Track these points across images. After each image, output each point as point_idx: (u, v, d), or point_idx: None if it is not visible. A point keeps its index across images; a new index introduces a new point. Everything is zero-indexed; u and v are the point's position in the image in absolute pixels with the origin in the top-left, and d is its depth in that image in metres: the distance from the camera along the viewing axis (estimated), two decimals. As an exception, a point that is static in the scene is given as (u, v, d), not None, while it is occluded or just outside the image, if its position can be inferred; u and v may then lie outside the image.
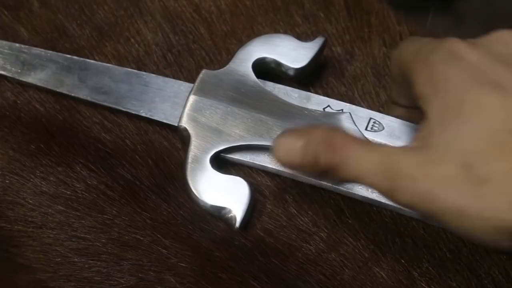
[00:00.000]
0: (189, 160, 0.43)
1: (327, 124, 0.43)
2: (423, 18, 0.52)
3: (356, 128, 0.43)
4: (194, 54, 0.49)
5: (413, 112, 0.43)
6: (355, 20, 0.49)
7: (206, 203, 0.43)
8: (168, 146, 0.46)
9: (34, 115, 0.47)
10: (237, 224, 0.42)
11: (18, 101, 0.48)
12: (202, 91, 0.45)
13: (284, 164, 0.39)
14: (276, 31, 0.49)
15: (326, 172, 0.37)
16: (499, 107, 0.33)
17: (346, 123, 0.43)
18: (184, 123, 0.44)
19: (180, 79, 0.47)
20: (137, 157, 0.46)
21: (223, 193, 0.43)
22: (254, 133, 0.44)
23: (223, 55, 0.48)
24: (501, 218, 0.32)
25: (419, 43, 0.38)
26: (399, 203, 0.35)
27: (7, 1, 0.50)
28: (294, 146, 0.38)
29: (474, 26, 1.02)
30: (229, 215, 0.42)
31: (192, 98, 0.45)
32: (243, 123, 0.44)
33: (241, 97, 0.44)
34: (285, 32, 0.49)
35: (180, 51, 0.49)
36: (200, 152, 0.44)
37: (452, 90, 0.34)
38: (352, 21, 0.49)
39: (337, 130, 0.38)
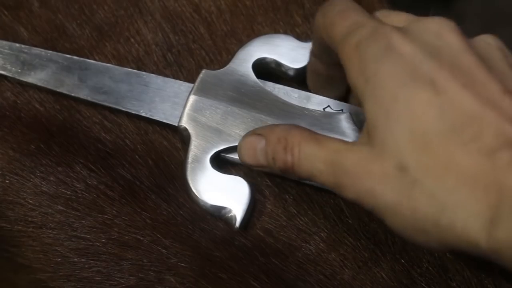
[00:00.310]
0: (189, 160, 0.43)
1: (326, 124, 0.43)
2: (423, 18, 0.52)
3: (356, 128, 0.43)
4: (194, 54, 0.49)
5: (333, 69, 0.42)
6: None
7: (206, 203, 0.43)
8: (168, 146, 0.46)
9: (34, 115, 0.47)
10: (237, 224, 0.42)
11: (18, 101, 0.48)
12: (202, 91, 0.45)
13: (248, 164, 0.41)
14: (276, 31, 0.49)
15: (284, 171, 0.38)
16: (431, 106, 0.32)
17: (346, 123, 0.43)
18: (184, 123, 0.44)
19: (180, 79, 0.48)
20: (137, 157, 0.46)
21: (223, 193, 0.43)
22: None
23: (223, 55, 0.48)
24: (428, 221, 0.32)
25: (349, 19, 0.36)
26: (347, 199, 0.35)
27: (7, 1, 0.50)
28: (256, 147, 0.39)
29: (474, 26, 1.02)
30: (229, 215, 0.42)
31: (192, 98, 0.45)
32: (243, 123, 0.44)
33: (241, 97, 0.44)
34: (285, 32, 0.49)
35: (180, 51, 0.49)
36: (200, 152, 0.44)
37: (384, 86, 0.33)
38: (352, 21, 0.49)
39: (294, 128, 0.38)
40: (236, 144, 0.43)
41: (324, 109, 0.45)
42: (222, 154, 0.44)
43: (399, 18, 0.38)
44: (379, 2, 0.51)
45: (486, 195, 0.31)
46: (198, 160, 0.43)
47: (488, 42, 0.37)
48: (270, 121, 0.44)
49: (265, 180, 0.45)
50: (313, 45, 0.42)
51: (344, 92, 0.44)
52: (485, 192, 0.31)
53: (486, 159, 0.31)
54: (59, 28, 0.50)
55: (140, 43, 0.49)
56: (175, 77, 0.48)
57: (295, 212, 0.44)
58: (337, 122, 0.43)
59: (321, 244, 0.43)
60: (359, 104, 0.36)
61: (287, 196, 0.44)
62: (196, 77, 0.45)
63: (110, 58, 0.49)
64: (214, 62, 0.48)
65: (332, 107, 0.45)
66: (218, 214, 0.43)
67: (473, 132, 0.32)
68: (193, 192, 0.43)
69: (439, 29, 0.35)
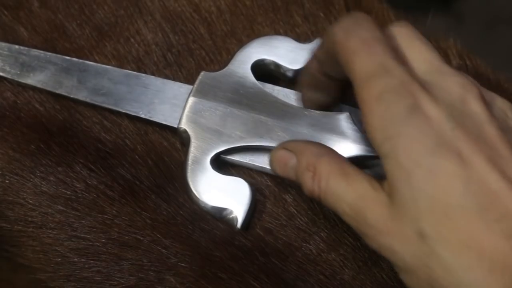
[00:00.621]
0: (189, 161, 0.43)
1: (326, 124, 0.43)
2: (423, 18, 0.52)
3: (356, 128, 0.43)
4: (194, 54, 0.49)
5: (332, 79, 0.40)
6: (355, 20, 0.49)
7: (207, 204, 0.43)
8: (168, 146, 0.46)
9: (34, 115, 0.47)
10: (239, 225, 0.42)
11: (18, 101, 0.48)
12: (201, 93, 0.45)
13: (281, 177, 0.41)
14: (276, 31, 0.49)
15: (311, 198, 0.38)
16: (456, 179, 0.32)
17: (345, 123, 0.43)
18: (184, 124, 0.44)
19: (180, 79, 0.48)
20: (137, 157, 0.46)
21: (224, 194, 0.43)
22: (254, 134, 0.44)
23: (223, 55, 0.48)
24: None
25: (374, 57, 0.34)
26: (367, 245, 0.36)
27: (7, 1, 0.50)
28: (287, 163, 0.40)
29: (474, 26, 1.02)
30: (230, 216, 0.42)
31: (191, 100, 0.45)
32: (243, 124, 0.44)
33: (241, 98, 0.44)
34: (285, 32, 0.49)
35: (180, 51, 0.49)
36: (200, 154, 0.44)
37: (407, 149, 0.33)
38: (352, 21, 0.49)
39: (325, 155, 0.38)
40: (236, 145, 0.43)
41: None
42: (223, 155, 0.44)
43: (421, 56, 0.36)
44: (379, 2, 0.51)
45: (502, 277, 0.31)
46: (198, 162, 0.43)
47: (505, 111, 0.36)
48: (270, 121, 0.44)
49: (265, 180, 0.45)
50: (320, 51, 0.40)
51: (332, 101, 0.43)
52: (502, 274, 0.31)
53: (506, 241, 0.31)
54: (59, 28, 0.50)
55: (140, 43, 0.49)
56: (175, 77, 0.48)
57: (295, 212, 0.44)
58: (336, 122, 0.43)
59: (321, 244, 0.43)
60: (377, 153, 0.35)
61: (287, 196, 0.44)
62: (196, 78, 0.45)
63: (110, 58, 0.49)
64: (214, 62, 0.48)
65: (330, 109, 0.45)
66: (219, 216, 0.43)
67: (498, 213, 0.31)
68: (194, 194, 0.43)
69: (464, 94, 0.34)
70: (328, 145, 0.42)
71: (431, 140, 0.32)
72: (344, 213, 0.36)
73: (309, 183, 0.37)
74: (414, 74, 0.35)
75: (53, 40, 0.49)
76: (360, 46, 0.35)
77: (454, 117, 0.33)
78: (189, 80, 0.47)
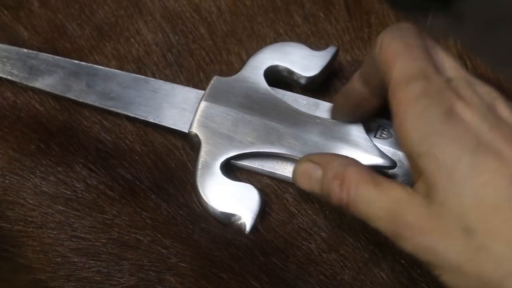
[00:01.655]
0: (199, 166, 0.43)
1: (337, 133, 0.43)
2: (423, 18, 0.52)
3: (367, 137, 0.43)
4: (194, 54, 0.49)
5: (374, 94, 0.41)
6: (355, 20, 0.49)
7: (215, 209, 0.43)
8: (168, 146, 0.46)
9: (34, 115, 0.47)
10: (247, 231, 0.42)
11: (18, 101, 0.48)
12: (213, 98, 0.45)
13: (303, 189, 0.41)
14: (276, 31, 0.49)
15: (338, 208, 0.38)
16: (500, 175, 0.33)
17: (357, 132, 0.43)
18: (195, 129, 0.44)
19: (180, 79, 0.48)
20: (136, 157, 0.46)
21: (233, 200, 0.43)
22: (265, 140, 0.43)
23: (223, 55, 0.48)
24: (492, 285, 0.32)
25: (415, 62, 0.36)
26: (403, 250, 0.35)
27: (7, 1, 0.50)
28: (312, 175, 0.40)
29: (474, 26, 1.02)
30: (239, 222, 0.42)
31: (203, 104, 0.45)
32: (254, 130, 0.44)
33: (252, 104, 0.44)
34: (285, 32, 0.49)
35: (180, 51, 0.49)
36: (210, 159, 0.44)
37: (446, 148, 0.34)
38: (352, 21, 0.49)
39: (353, 165, 0.38)
40: (247, 151, 0.43)
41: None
42: (233, 160, 0.44)
43: (449, 65, 0.37)
44: (379, 2, 0.51)
45: None
46: (208, 167, 0.43)
47: None
48: (281, 128, 0.43)
49: (266, 179, 0.45)
50: (365, 64, 0.40)
51: (365, 118, 0.44)
52: None
53: None
54: (59, 28, 0.50)
55: (140, 43, 0.49)
56: (175, 77, 0.48)
57: (296, 212, 0.44)
58: (348, 131, 0.43)
59: (321, 244, 0.43)
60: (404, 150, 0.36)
61: (288, 196, 0.44)
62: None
63: (110, 58, 0.49)
64: (214, 62, 0.48)
65: None
66: (227, 221, 0.43)
67: None
68: (203, 198, 0.43)
69: (492, 100, 0.36)
70: (338, 150, 0.42)
71: (470, 140, 0.34)
72: (377, 218, 0.36)
73: (337, 191, 0.37)
74: (448, 81, 0.36)
75: (53, 40, 0.49)
76: (403, 50, 0.36)
77: (488, 121, 0.34)
78: (190, 81, 0.47)
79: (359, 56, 0.48)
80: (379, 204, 0.36)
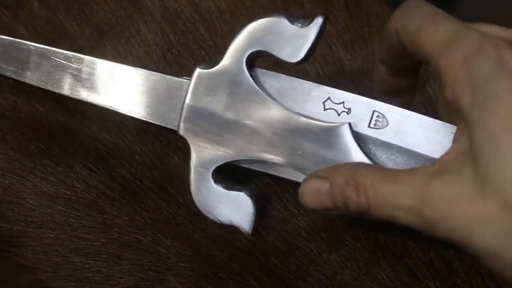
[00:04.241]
0: (192, 173, 0.43)
1: (328, 140, 0.41)
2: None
3: (355, 143, 0.40)
4: (194, 54, 0.49)
5: (402, 75, 0.40)
6: (355, 20, 0.49)
7: (214, 219, 0.43)
8: (167, 146, 0.46)
9: (34, 115, 0.47)
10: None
11: (18, 101, 0.48)
12: (197, 98, 0.43)
13: (314, 210, 0.38)
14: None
15: (359, 215, 0.35)
16: None
17: (346, 133, 0.41)
18: (182, 133, 0.43)
19: (180, 79, 0.47)
20: (136, 157, 0.46)
21: (227, 210, 0.42)
22: (255, 149, 0.42)
23: (223, 55, 0.48)
24: None
25: (442, 26, 0.33)
26: (436, 238, 0.33)
27: (7, 1, 0.50)
28: (319, 191, 0.37)
29: (474, 26, 1.02)
30: (238, 231, 0.43)
31: (186, 106, 0.43)
32: (242, 136, 0.42)
33: (237, 105, 0.42)
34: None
35: (180, 51, 0.49)
36: (201, 166, 0.43)
37: (497, 113, 0.30)
38: (352, 21, 0.49)
39: (361, 167, 0.36)
40: (236, 159, 0.42)
41: (324, 102, 0.42)
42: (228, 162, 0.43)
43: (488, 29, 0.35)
44: (379, 2, 0.51)
45: None
46: (199, 174, 0.43)
47: None
48: (268, 134, 0.42)
49: (266, 179, 0.45)
50: (380, 50, 0.39)
51: (410, 99, 0.42)
52: None
53: None
54: (59, 28, 0.50)
55: (140, 43, 0.49)
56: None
57: (296, 211, 0.44)
58: (336, 136, 0.41)
59: (321, 244, 0.43)
60: (454, 122, 0.34)
61: (288, 196, 0.44)
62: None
63: (110, 58, 0.49)
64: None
65: (332, 100, 0.42)
66: (227, 229, 0.43)
67: None
68: (198, 208, 0.43)
69: None
70: (330, 155, 0.40)
71: None
72: (404, 213, 0.33)
73: (354, 197, 0.35)
74: (483, 34, 0.33)
75: (54, 40, 0.49)
76: (423, 21, 0.34)
77: None
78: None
79: (359, 55, 0.48)
80: (403, 198, 0.33)
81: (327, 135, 0.41)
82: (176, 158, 0.46)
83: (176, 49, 0.49)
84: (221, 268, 0.42)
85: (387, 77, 0.40)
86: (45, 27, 0.50)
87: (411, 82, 0.41)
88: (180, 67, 0.48)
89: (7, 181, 0.45)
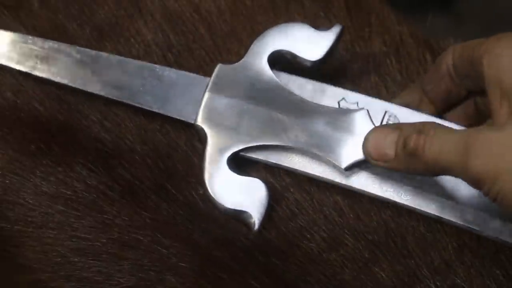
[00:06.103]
0: (206, 161, 0.43)
1: (344, 125, 0.43)
2: (423, 18, 0.52)
3: (373, 126, 0.42)
4: (194, 54, 0.49)
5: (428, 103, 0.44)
6: (355, 20, 0.49)
7: (224, 206, 0.43)
8: (168, 145, 0.46)
9: (34, 115, 0.47)
10: (256, 228, 0.42)
11: (18, 101, 0.48)
12: (217, 88, 0.44)
13: (370, 156, 0.41)
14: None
15: (412, 153, 0.38)
16: None
17: (362, 119, 0.42)
18: (200, 122, 0.44)
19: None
20: (136, 157, 0.46)
21: (242, 196, 0.42)
22: (271, 133, 0.43)
23: (223, 55, 0.48)
24: None
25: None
26: (466, 179, 0.37)
27: (7, 1, 0.50)
28: (386, 137, 0.40)
29: (474, 27, 1.02)
30: (248, 220, 0.42)
31: (207, 95, 0.44)
32: (260, 122, 0.43)
33: (257, 94, 0.44)
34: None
35: (180, 51, 0.49)
36: (216, 153, 0.43)
37: None
38: (352, 21, 0.49)
39: (428, 122, 0.40)
40: (253, 144, 0.43)
41: (339, 102, 0.44)
42: (241, 153, 0.44)
43: None
44: (379, 2, 0.51)
45: None
46: (215, 161, 0.43)
47: None
48: (286, 120, 0.43)
49: (267, 178, 0.45)
50: (456, 57, 0.43)
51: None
52: None
53: None
54: (59, 28, 0.50)
55: (140, 43, 0.49)
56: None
57: (296, 211, 0.44)
58: (353, 119, 0.43)
59: (321, 243, 0.43)
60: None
61: (288, 195, 0.44)
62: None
63: (110, 58, 0.49)
64: (214, 62, 0.48)
65: (346, 99, 0.44)
66: (236, 218, 0.43)
67: None
68: (211, 195, 0.43)
69: None
70: (344, 141, 0.42)
71: None
72: (448, 150, 0.37)
73: (414, 136, 0.38)
74: None
75: (54, 40, 0.49)
76: None
77: None
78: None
79: (359, 55, 0.48)
80: (451, 139, 0.37)
81: (345, 119, 0.43)
82: (177, 158, 0.46)
83: (176, 49, 0.49)
84: (221, 268, 0.42)
85: (448, 82, 0.44)
86: (45, 27, 0.50)
87: (465, 94, 0.44)
88: (180, 67, 0.48)
89: (7, 181, 0.45)
